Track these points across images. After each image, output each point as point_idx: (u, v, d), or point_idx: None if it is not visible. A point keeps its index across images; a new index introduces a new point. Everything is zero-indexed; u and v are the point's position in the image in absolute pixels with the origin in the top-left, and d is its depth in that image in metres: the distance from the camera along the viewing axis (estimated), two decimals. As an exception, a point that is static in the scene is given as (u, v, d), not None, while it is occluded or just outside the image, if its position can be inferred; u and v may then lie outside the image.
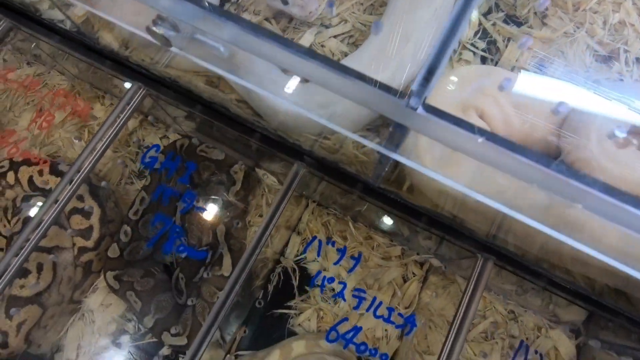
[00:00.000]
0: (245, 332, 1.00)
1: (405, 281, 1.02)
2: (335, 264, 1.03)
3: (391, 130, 0.48)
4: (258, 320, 1.02)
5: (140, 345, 0.98)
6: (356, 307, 0.97)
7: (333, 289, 1.01)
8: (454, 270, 1.01)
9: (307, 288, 1.03)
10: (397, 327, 0.97)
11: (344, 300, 1.00)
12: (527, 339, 0.97)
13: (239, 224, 0.98)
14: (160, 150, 1.04)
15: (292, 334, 0.99)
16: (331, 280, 1.01)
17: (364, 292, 0.98)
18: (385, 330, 0.98)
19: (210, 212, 0.97)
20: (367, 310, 0.94)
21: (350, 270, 1.01)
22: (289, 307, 1.02)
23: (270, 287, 1.04)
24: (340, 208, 1.06)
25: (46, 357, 0.95)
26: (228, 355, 0.97)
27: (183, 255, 0.95)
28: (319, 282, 1.01)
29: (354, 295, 0.98)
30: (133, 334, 1.00)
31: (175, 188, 0.96)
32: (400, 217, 0.84)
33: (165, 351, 0.98)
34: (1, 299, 0.85)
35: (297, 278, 1.04)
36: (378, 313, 0.93)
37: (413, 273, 1.02)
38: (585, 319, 0.93)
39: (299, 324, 1.00)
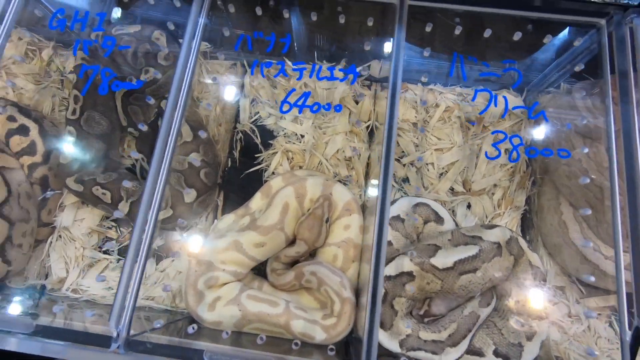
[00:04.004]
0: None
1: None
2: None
3: None
4: (233, 186, 1.02)
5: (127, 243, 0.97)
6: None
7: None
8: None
9: (270, 142, 1.05)
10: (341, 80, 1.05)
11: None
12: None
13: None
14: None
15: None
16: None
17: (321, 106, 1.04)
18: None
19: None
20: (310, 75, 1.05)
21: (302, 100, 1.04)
22: (259, 163, 1.03)
23: (236, 153, 1.05)
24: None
25: (36, 285, 0.93)
26: (216, 220, 0.98)
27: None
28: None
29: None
30: (117, 238, 0.99)
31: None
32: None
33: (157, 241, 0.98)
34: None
35: (258, 136, 1.05)
36: (320, 75, 1.04)
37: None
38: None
39: (273, 172, 1.02)
